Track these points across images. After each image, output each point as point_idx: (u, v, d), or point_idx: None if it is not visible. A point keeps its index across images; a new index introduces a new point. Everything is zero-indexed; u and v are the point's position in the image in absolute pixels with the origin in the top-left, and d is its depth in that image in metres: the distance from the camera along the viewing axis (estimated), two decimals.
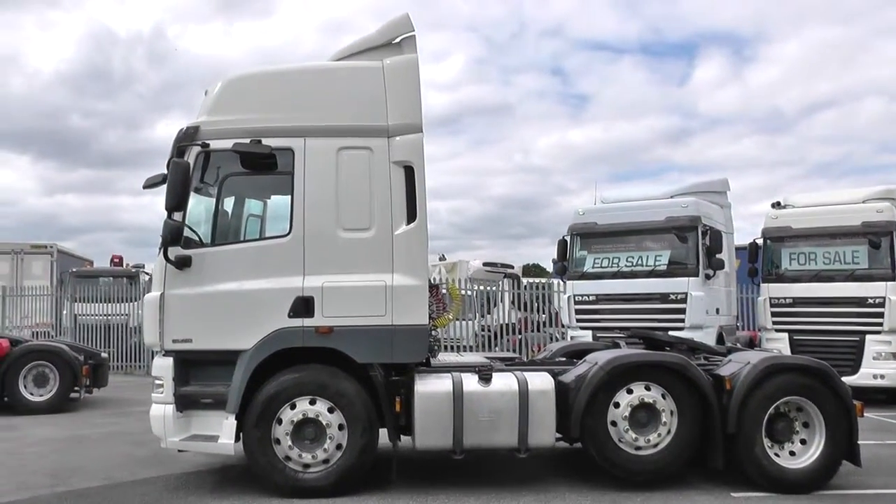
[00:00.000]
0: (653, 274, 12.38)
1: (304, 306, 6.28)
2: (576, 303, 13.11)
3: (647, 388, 6.54)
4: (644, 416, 6.51)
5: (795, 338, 12.57)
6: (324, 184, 6.43)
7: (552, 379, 6.54)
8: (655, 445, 6.50)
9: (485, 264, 26.06)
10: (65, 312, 19.65)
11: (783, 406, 6.62)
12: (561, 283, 15.60)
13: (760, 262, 13.32)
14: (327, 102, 6.57)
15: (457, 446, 6.32)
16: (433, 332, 7.80)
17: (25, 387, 11.27)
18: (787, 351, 12.39)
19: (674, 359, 6.68)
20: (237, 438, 6.24)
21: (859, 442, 6.57)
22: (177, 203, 6.11)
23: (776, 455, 6.56)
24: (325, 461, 6.24)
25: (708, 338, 11.92)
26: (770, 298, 12.98)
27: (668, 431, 6.50)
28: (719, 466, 6.51)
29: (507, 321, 19.85)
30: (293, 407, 6.23)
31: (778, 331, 12.82)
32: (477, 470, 7.21)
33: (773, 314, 12.91)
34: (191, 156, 6.36)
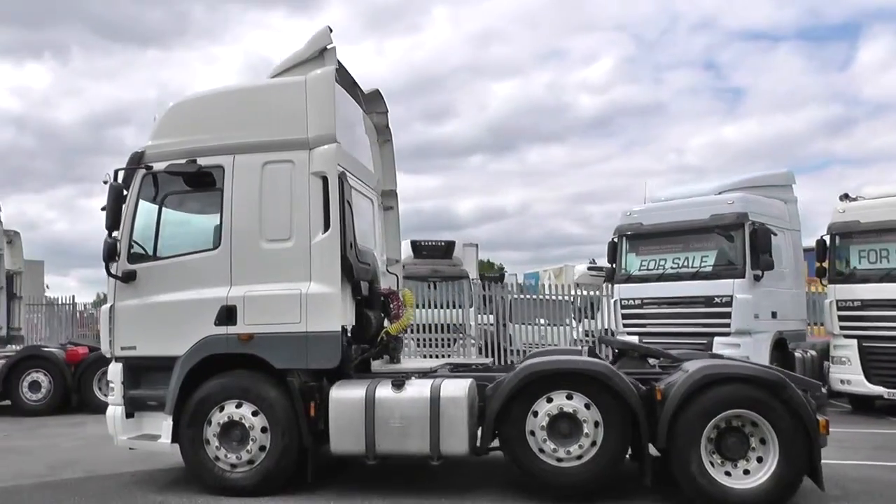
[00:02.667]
0: (697, 276, 11.63)
1: (227, 315, 6.64)
2: (622, 307, 12.55)
3: (569, 398, 6.23)
4: (566, 426, 6.20)
5: (865, 345, 11.22)
6: (249, 197, 6.76)
7: (467, 386, 6.40)
8: (579, 458, 6.17)
9: (589, 268, 25.54)
10: None
11: (735, 420, 6.04)
12: None
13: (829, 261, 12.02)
14: (254, 120, 6.90)
15: (369, 452, 6.37)
16: (399, 336, 7.92)
17: (100, 389, 12.62)
18: (855, 360, 11.16)
19: (594, 367, 6.32)
20: (174, 438, 6.71)
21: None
22: (111, 223, 6.69)
23: (727, 473, 6.00)
24: (250, 462, 6.53)
25: (760, 344, 11.07)
26: (837, 301, 11.66)
27: (594, 443, 6.16)
28: (647, 483, 6.08)
29: (607, 326, 19.39)
30: (221, 409, 6.59)
31: (846, 336, 11.50)
32: (408, 475, 7.20)
33: (841, 318, 11.57)
34: (137, 178, 6.96)
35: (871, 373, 11.04)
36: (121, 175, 6.83)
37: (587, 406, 6.20)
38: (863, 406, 11.90)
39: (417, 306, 18.78)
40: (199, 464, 6.64)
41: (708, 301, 11.36)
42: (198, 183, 6.88)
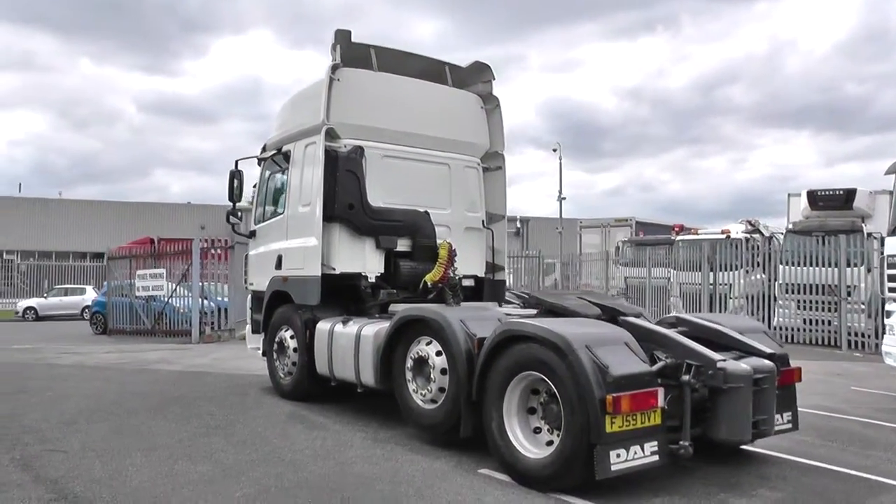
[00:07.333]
0: None
1: (278, 262, 8.90)
2: (888, 266, 9.60)
3: (429, 344, 6.55)
4: (427, 370, 6.54)
5: None
6: (297, 173, 8.81)
7: (378, 328, 7.17)
8: (433, 401, 6.48)
9: None
10: (616, 275, 22.99)
11: None
12: None
13: None
14: (304, 113, 8.81)
15: (332, 374, 7.84)
16: (453, 282, 8.62)
17: None
18: None
19: (430, 314, 6.42)
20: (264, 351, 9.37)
21: None
22: (230, 197, 9.58)
23: (549, 443, 5.45)
24: (289, 373, 8.71)
25: None
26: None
27: (441, 389, 6.38)
28: (462, 434, 6.04)
29: None
30: (278, 331, 8.90)
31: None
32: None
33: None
34: (263, 163, 9.72)
35: None
36: (240, 164, 9.64)
37: (438, 353, 6.42)
38: None
39: (800, 264, 16.68)
40: (272, 371, 9.13)
41: None
42: (283, 164, 9.25)
